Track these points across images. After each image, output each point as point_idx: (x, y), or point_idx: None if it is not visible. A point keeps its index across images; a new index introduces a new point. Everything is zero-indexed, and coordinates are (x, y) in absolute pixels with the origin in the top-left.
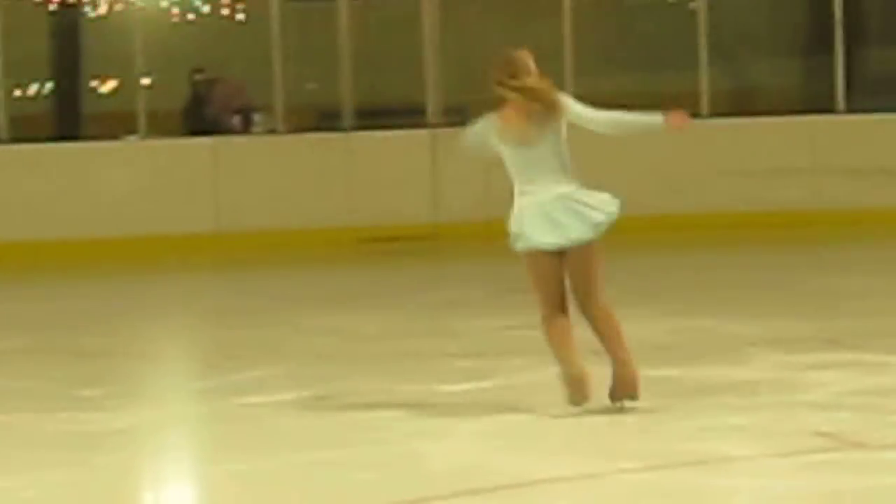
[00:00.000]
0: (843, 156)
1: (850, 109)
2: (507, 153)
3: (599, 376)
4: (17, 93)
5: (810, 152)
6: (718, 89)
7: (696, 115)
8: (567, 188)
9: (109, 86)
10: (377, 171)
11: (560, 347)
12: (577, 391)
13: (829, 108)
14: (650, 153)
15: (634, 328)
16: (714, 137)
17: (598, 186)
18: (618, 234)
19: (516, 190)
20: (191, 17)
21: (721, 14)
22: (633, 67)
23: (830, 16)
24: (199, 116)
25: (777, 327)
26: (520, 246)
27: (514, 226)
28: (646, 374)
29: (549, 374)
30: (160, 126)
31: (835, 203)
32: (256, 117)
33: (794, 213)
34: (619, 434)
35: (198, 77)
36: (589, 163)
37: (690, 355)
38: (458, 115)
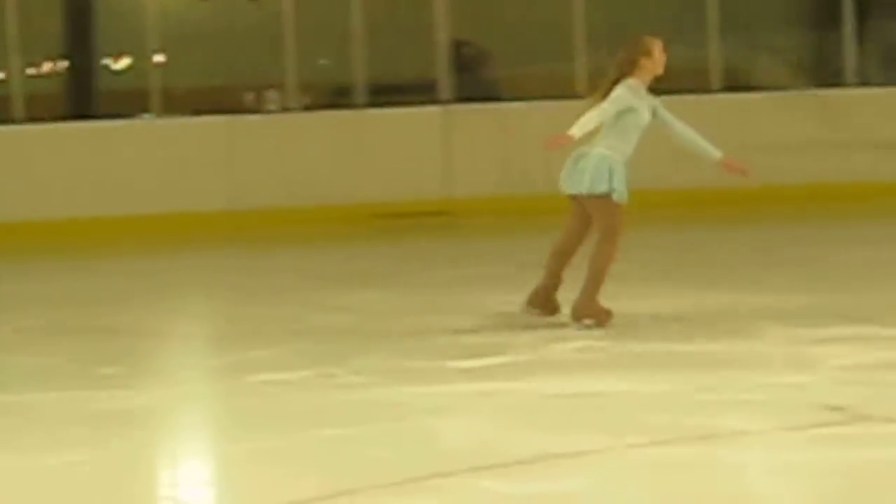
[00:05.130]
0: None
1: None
2: (645, 115)
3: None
4: (31, 71)
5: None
6: (728, 64)
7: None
8: None
9: (122, 63)
10: (390, 147)
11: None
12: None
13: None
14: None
15: (649, 303)
16: (724, 112)
17: None
18: (636, 208)
19: (624, 150)
20: None
21: None
22: None
23: None
24: (477, 84)
25: (790, 301)
26: (625, 198)
27: (621, 181)
28: (657, 348)
29: (558, 350)
30: (175, 104)
31: (852, 176)
32: (270, 94)
33: (812, 186)
34: (629, 408)
35: (465, 49)
36: None
37: (703, 330)
38: (470, 91)
